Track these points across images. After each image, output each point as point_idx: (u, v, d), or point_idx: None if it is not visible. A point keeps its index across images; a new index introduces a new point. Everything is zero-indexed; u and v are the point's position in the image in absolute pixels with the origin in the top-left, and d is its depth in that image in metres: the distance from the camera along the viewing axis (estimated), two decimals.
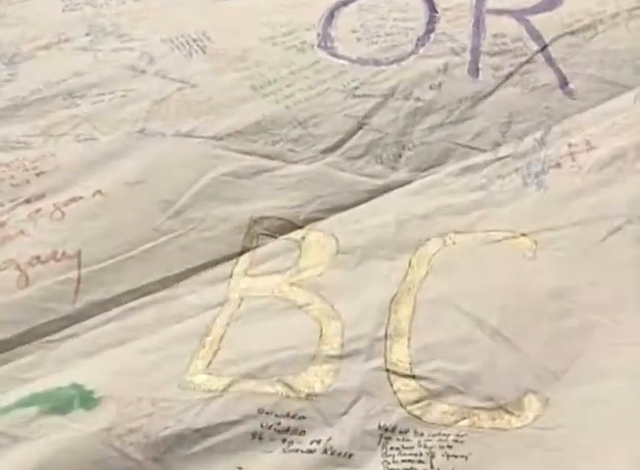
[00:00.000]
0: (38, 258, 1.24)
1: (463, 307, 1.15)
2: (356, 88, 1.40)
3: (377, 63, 1.43)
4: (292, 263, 1.25)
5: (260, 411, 1.08)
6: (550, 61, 1.42)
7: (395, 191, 1.33)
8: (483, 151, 1.35)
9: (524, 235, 1.22)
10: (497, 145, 1.35)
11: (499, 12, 1.47)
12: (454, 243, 1.24)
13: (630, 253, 1.17)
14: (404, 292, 1.18)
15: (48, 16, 1.54)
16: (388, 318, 1.15)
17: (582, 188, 1.27)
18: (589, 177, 1.28)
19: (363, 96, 1.40)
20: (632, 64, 1.40)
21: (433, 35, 1.45)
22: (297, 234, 1.29)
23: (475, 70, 1.42)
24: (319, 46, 1.46)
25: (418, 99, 1.39)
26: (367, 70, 1.42)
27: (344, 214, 1.30)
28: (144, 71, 1.45)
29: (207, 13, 1.52)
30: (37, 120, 1.40)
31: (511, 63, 1.41)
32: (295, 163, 1.34)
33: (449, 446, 1.04)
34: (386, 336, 1.13)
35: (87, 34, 1.51)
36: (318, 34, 1.47)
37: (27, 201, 1.30)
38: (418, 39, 1.45)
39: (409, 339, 1.13)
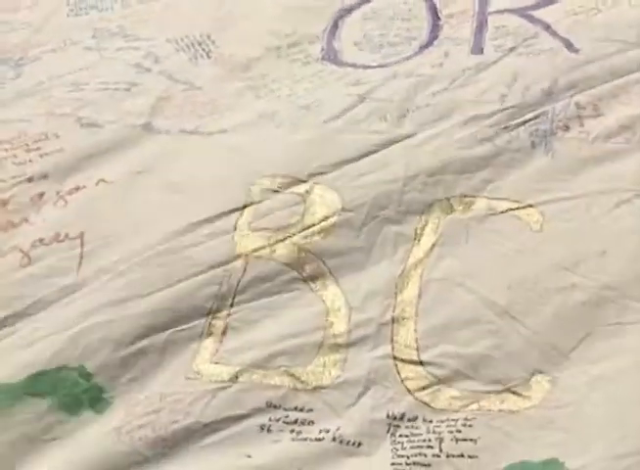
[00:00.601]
0: (42, 240, 1.25)
1: (470, 286, 1.14)
2: (358, 81, 1.40)
3: (381, 66, 1.42)
4: (297, 220, 1.24)
5: (269, 405, 1.10)
6: (554, 34, 1.39)
7: (401, 143, 1.31)
8: (490, 102, 1.33)
9: (530, 206, 1.21)
10: (504, 96, 1.33)
11: (501, 12, 1.45)
12: (460, 208, 1.23)
13: (638, 225, 1.16)
14: (410, 270, 1.18)
15: (54, 21, 1.55)
16: (395, 300, 1.15)
17: (590, 158, 1.25)
18: (597, 146, 1.26)
19: (364, 83, 1.39)
20: (638, 29, 1.36)
21: (436, 41, 1.44)
22: (300, 188, 1.27)
23: (478, 49, 1.41)
24: (323, 58, 1.45)
25: (420, 75, 1.38)
26: (369, 72, 1.41)
27: (349, 167, 1.29)
28: (149, 70, 1.46)
29: (212, 15, 1.52)
30: (40, 103, 1.42)
31: (515, 40, 1.40)
32: (299, 131, 1.33)
33: (458, 431, 1.05)
34: (392, 320, 1.13)
35: (93, 37, 1.53)
36: (322, 48, 1.46)
37: (30, 179, 1.32)
38: (421, 47, 1.44)
39: (416, 322, 1.13)
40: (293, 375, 1.12)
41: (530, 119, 1.30)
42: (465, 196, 1.24)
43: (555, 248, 1.16)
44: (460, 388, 1.08)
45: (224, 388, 1.12)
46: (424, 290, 1.16)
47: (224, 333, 1.17)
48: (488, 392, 1.07)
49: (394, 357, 1.11)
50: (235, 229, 1.24)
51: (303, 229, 1.23)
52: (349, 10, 1.51)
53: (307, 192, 1.27)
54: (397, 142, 1.31)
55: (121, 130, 1.37)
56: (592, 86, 1.32)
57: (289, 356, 1.13)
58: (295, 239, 1.22)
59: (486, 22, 1.44)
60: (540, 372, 1.07)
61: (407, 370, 1.09)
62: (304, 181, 1.28)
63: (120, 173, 1.33)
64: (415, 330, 1.12)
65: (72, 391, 1.14)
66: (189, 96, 1.41)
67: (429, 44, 1.43)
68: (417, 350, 1.11)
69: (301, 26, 1.48)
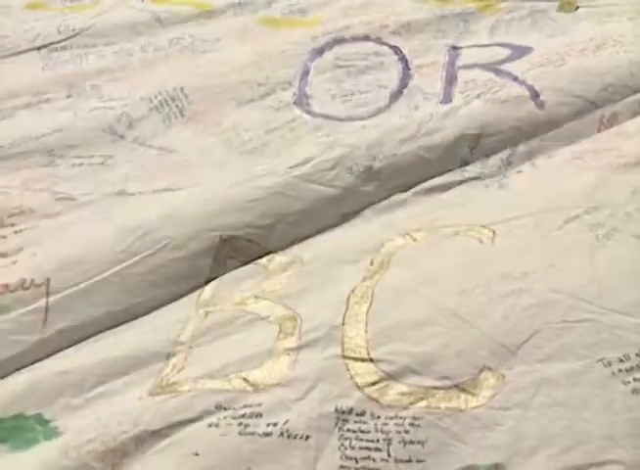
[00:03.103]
0: (7, 286, 1.29)
1: (421, 293, 1.19)
2: (329, 129, 1.49)
3: (351, 119, 1.52)
4: (257, 282, 1.31)
5: (218, 407, 1.11)
6: (522, 82, 1.50)
7: (363, 213, 1.39)
8: (451, 170, 1.42)
9: (482, 226, 1.28)
10: (465, 163, 1.43)
11: (470, 66, 1.57)
12: (414, 240, 1.30)
13: (587, 237, 1.21)
14: (362, 285, 1.23)
15: (27, 74, 1.63)
16: (346, 308, 1.20)
17: (540, 184, 1.34)
18: (548, 175, 1.36)
19: (334, 132, 1.48)
20: (601, 79, 1.48)
21: (405, 90, 1.55)
22: (264, 259, 1.35)
23: (447, 100, 1.51)
24: (295, 103, 1.54)
25: (389, 124, 1.47)
26: (341, 125, 1.50)
27: (312, 240, 1.36)
28: (123, 137, 1.53)
29: (186, 68, 1.62)
30: (15, 173, 1.48)
31: (482, 88, 1.51)
32: (266, 176, 1.40)
33: (406, 431, 1.06)
34: (343, 323, 1.17)
35: (68, 96, 1.60)
36: (294, 94, 1.56)
37: (3, 255, 1.36)
38: (391, 95, 1.54)
39: (366, 324, 1.16)
40: (244, 378, 1.14)
41: (486, 175, 1.41)
42: (419, 230, 1.32)
43: (505, 260, 1.22)
44: (409, 383, 1.09)
45: (173, 398, 1.14)
46: (375, 298, 1.20)
47: (182, 365, 1.21)
48: (437, 388, 1.09)
49: (344, 356, 1.13)
50: (198, 303, 1.30)
51: (263, 284, 1.30)
52: (320, 51, 1.62)
53: (269, 261, 1.34)
54: (361, 207, 1.40)
55: (96, 202, 1.44)
56: (549, 151, 1.43)
57: (240, 364, 1.16)
58: (254, 291, 1.29)
59: (456, 76, 1.55)
60: (489, 369, 1.09)
61: (356, 367, 1.12)
62: (268, 252, 1.35)
63: (88, 225, 1.39)
64: (365, 331, 1.15)
65: (28, 436, 1.16)
66: (163, 160, 1.49)
67: (399, 94, 1.53)
68: (367, 348, 1.13)
69: (274, 72, 1.58)
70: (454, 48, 1.62)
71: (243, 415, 1.10)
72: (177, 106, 1.56)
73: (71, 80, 1.62)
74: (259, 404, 1.11)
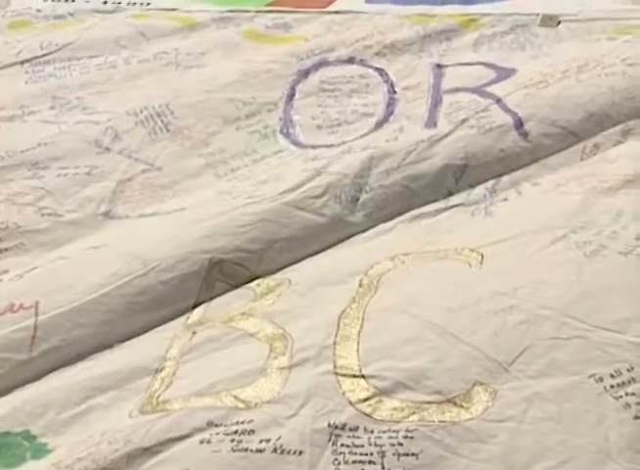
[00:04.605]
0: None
1: (410, 312, 1.21)
2: (315, 156, 1.52)
3: (338, 144, 1.54)
4: (244, 304, 1.33)
5: (210, 424, 1.13)
6: (505, 108, 1.53)
7: (349, 241, 1.42)
8: (436, 200, 1.45)
9: (470, 250, 1.31)
10: (450, 193, 1.46)
11: (455, 90, 1.60)
12: (403, 262, 1.32)
13: (574, 254, 1.24)
14: (353, 306, 1.25)
15: (11, 88, 1.64)
16: (337, 329, 1.22)
17: (526, 209, 1.38)
18: (533, 200, 1.40)
19: (321, 158, 1.51)
20: (583, 108, 1.51)
21: (392, 117, 1.57)
22: (253, 283, 1.37)
23: (432, 124, 1.54)
24: (281, 132, 1.57)
25: (375, 148, 1.50)
26: (328, 152, 1.53)
27: (299, 265, 1.39)
28: (108, 149, 1.54)
29: (171, 84, 1.64)
30: (0, 188, 1.49)
31: (466, 112, 1.53)
32: (256, 202, 1.43)
33: (400, 444, 1.08)
34: (334, 343, 1.20)
35: (52, 108, 1.61)
36: (280, 119, 1.58)
37: None
38: (377, 124, 1.57)
39: (358, 343, 1.19)
40: (235, 396, 1.16)
41: (472, 204, 1.44)
42: (408, 254, 1.35)
43: (493, 279, 1.25)
44: (401, 398, 1.12)
45: (165, 416, 1.15)
46: (366, 319, 1.23)
47: (171, 380, 1.23)
48: (429, 402, 1.11)
49: (336, 373, 1.16)
50: (186, 325, 1.32)
51: (252, 303, 1.32)
52: (306, 73, 1.64)
53: (258, 285, 1.36)
54: (347, 236, 1.43)
55: (82, 220, 1.46)
56: (532, 180, 1.46)
57: (231, 382, 1.18)
58: (242, 310, 1.31)
59: (441, 99, 1.57)
60: (481, 384, 1.12)
61: (348, 383, 1.14)
62: (258, 276, 1.37)
63: (80, 251, 1.40)
64: (357, 350, 1.18)
65: (16, 452, 1.18)
66: (149, 178, 1.51)
67: (384, 121, 1.55)
68: (358, 365, 1.16)
69: (260, 92, 1.60)
70: (438, 66, 1.65)
71: (235, 432, 1.11)
72: (162, 121, 1.58)
73: (55, 93, 1.64)
74: (251, 421, 1.12)
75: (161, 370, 1.24)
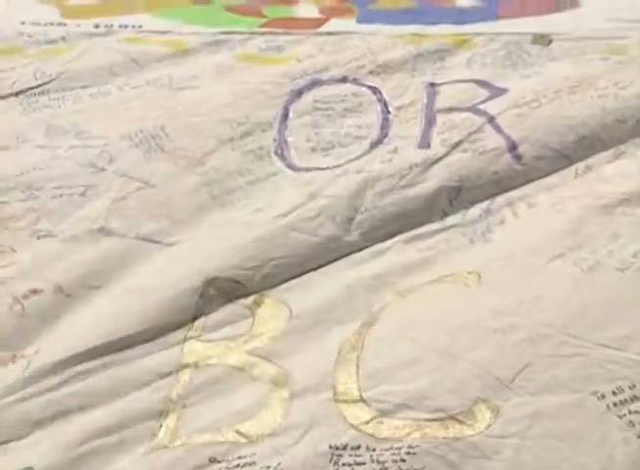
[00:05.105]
0: None
1: (409, 335, 1.22)
2: (309, 180, 1.51)
3: (332, 167, 1.53)
4: (245, 330, 1.33)
5: (211, 460, 1.14)
6: (498, 129, 1.53)
7: (346, 259, 1.42)
8: (431, 221, 1.45)
9: (468, 272, 1.31)
10: (445, 215, 1.46)
11: (449, 110, 1.59)
12: (403, 297, 1.32)
13: (572, 271, 1.26)
14: (352, 338, 1.26)
15: (6, 119, 1.63)
16: (337, 357, 1.23)
17: (523, 230, 1.38)
18: (529, 222, 1.40)
19: (316, 182, 1.51)
20: (575, 131, 1.51)
21: (386, 139, 1.56)
22: (249, 299, 1.37)
23: (425, 144, 1.54)
24: (275, 153, 1.56)
25: (369, 171, 1.50)
26: (322, 174, 1.52)
27: (297, 281, 1.39)
28: (103, 169, 1.53)
29: (165, 106, 1.63)
30: None
31: (460, 133, 1.53)
32: (251, 228, 1.43)
33: (402, 460, 1.09)
34: (334, 370, 1.20)
35: (46, 135, 1.60)
36: (274, 140, 1.57)
37: None
38: (371, 145, 1.56)
39: (357, 368, 1.19)
40: (237, 431, 1.17)
41: (468, 225, 1.44)
42: (408, 290, 1.35)
43: (492, 298, 1.26)
44: (403, 417, 1.12)
45: (165, 452, 1.17)
46: (366, 345, 1.24)
47: (175, 425, 1.23)
48: (431, 419, 1.12)
49: (336, 400, 1.17)
50: (185, 341, 1.32)
51: (252, 338, 1.32)
52: (299, 93, 1.64)
53: (256, 304, 1.36)
54: (343, 255, 1.43)
55: (76, 237, 1.45)
56: (527, 200, 1.46)
57: (233, 417, 1.19)
58: (245, 347, 1.31)
59: (435, 119, 1.57)
60: (483, 401, 1.13)
61: (349, 408, 1.15)
62: (253, 292, 1.37)
63: (75, 283, 1.39)
64: (357, 375, 1.19)
65: None
66: (144, 195, 1.50)
67: (379, 142, 1.55)
68: (359, 390, 1.17)
69: (253, 113, 1.60)
70: (432, 85, 1.65)
71: (237, 466, 1.13)
72: (157, 143, 1.58)
73: (49, 122, 1.63)
74: (253, 454, 1.13)
75: (166, 414, 1.24)
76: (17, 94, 1.68)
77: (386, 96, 1.63)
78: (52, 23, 1.83)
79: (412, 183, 1.47)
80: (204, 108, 1.62)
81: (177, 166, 1.54)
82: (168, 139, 1.58)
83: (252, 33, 1.80)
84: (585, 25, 1.72)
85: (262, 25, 1.84)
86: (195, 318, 1.35)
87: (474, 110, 1.57)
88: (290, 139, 1.58)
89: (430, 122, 1.57)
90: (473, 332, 1.20)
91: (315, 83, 1.67)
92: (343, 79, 1.69)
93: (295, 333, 1.31)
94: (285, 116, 1.62)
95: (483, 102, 1.58)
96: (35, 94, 1.69)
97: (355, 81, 1.68)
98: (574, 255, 1.29)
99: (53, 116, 1.64)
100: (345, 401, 1.16)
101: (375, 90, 1.66)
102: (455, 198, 1.46)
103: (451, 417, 1.12)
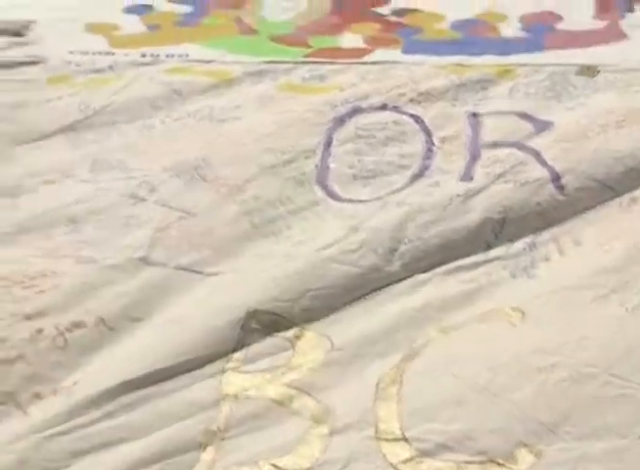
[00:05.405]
0: (38, 395, 1.30)
1: (451, 372, 1.21)
2: (351, 213, 1.51)
3: (374, 199, 1.53)
4: (284, 362, 1.32)
5: None
6: (542, 162, 1.53)
7: (388, 290, 1.41)
8: (474, 253, 1.44)
9: (512, 309, 1.30)
10: (488, 246, 1.44)
11: (494, 145, 1.59)
12: (445, 333, 1.31)
13: (617, 310, 1.25)
14: (392, 371, 1.26)
15: (53, 155, 1.64)
16: (377, 393, 1.22)
17: (568, 268, 1.37)
18: (575, 259, 1.39)
19: (358, 215, 1.50)
20: (622, 162, 1.50)
21: (427, 172, 1.56)
22: (290, 332, 1.36)
23: (468, 177, 1.53)
24: (317, 182, 1.56)
25: (410, 203, 1.49)
26: (364, 206, 1.52)
27: (338, 315, 1.38)
28: (144, 199, 1.55)
29: (208, 138, 1.63)
30: (38, 243, 1.49)
31: (503, 166, 1.53)
32: (293, 260, 1.43)
33: None
34: (374, 406, 1.20)
35: (91, 171, 1.61)
36: (316, 166, 1.58)
37: (28, 317, 1.38)
38: (412, 177, 1.55)
39: (398, 404, 1.19)
40: (273, 465, 1.17)
41: (510, 258, 1.43)
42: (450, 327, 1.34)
43: (535, 335, 1.24)
44: (443, 459, 1.11)
45: None
46: (406, 381, 1.23)
47: (213, 456, 1.23)
48: (472, 462, 1.11)
49: (377, 438, 1.16)
50: (223, 372, 1.32)
51: (292, 370, 1.31)
52: (342, 121, 1.64)
53: (297, 337, 1.36)
54: (385, 285, 1.41)
55: (119, 265, 1.45)
56: (572, 234, 1.45)
57: (271, 452, 1.19)
58: (283, 379, 1.30)
59: (480, 154, 1.56)
60: (525, 445, 1.11)
61: (389, 446, 1.14)
62: (293, 325, 1.37)
63: (117, 315, 1.39)
64: (397, 412, 1.18)
65: None
66: (185, 225, 1.50)
67: (420, 175, 1.55)
68: (400, 428, 1.16)
69: (296, 141, 1.60)
70: (474, 115, 1.65)
71: None
72: (199, 173, 1.59)
73: (95, 156, 1.64)
74: None
75: (206, 447, 1.23)
76: (63, 130, 1.69)
77: (428, 125, 1.62)
78: (100, 53, 1.86)
79: (456, 214, 1.47)
80: (246, 138, 1.63)
81: (218, 194, 1.54)
82: (210, 169, 1.58)
83: (296, 63, 1.81)
84: (632, 57, 1.71)
85: (307, 55, 1.85)
86: (235, 350, 1.34)
87: (519, 146, 1.56)
88: (332, 166, 1.58)
89: (474, 158, 1.56)
90: (515, 370, 1.19)
91: (356, 111, 1.67)
92: (383, 107, 1.69)
93: (334, 365, 1.30)
94: (328, 143, 1.62)
95: (529, 138, 1.58)
96: (82, 128, 1.70)
97: (395, 109, 1.68)
98: (619, 295, 1.28)
99: (98, 151, 1.65)
100: (386, 440, 1.15)
101: (417, 118, 1.66)
102: (500, 231, 1.46)
103: (492, 460, 1.11)
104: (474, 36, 1.86)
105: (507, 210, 1.47)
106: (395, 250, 1.44)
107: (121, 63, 1.83)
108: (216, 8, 1.97)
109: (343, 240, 1.45)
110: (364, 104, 1.70)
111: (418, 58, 1.82)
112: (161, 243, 1.48)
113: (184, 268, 1.46)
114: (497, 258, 1.42)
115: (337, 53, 1.85)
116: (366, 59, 1.83)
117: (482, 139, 1.60)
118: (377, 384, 1.24)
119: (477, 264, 1.42)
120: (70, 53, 1.85)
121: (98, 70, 1.82)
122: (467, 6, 1.93)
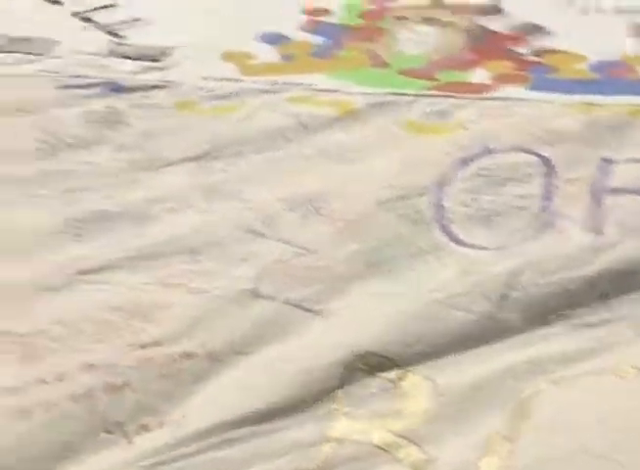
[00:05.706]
0: (145, 426, 1.34)
1: (564, 432, 1.19)
2: (469, 259, 1.49)
3: (493, 248, 1.51)
4: (390, 406, 1.32)
5: None
6: None
7: (504, 340, 1.38)
8: (591, 304, 1.40)
9: (631, 367, 1.27)
10: (606, 297, 1.40)
11: (620, 190, 1.54)
12: (557, 384, 1.29)
13: None
14: (504, 429, 1.24)
15: (177, 183, 1.67)
16: (486, 447, 1.20)
17: None
18: None
19: (474, 261, 1.49)
20: None
21: (546, 214, 1.52)
22: (394, 373, 1.35)
23: (598, 229, 1.49)
24: (435, 222, 1.54)
25: (534, 253, 1.47)
26: (483, 252, 1.50)
27: (447, 360, 1.37)
28: (262, 234, 1.56)
29: (329, 174, 1.65)
30: (155, 271, 1.53)
31: (633, 219, 1.48)
32: (407, 302, 1.42)
33: None
34: (479, 461, 1.19)
35: (211, 200, 1.64)
36: (429, 203, 1.56)
37: (143, 347, 1.42)
38: (531, 221, 1.52)
39: (506, 460, 1.17)
40: None
41: (636, 318, 1.39)
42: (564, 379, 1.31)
43: None
44: None
45: None
46: (518, 438, 1.21)
47: None
48: None
49: None
50: (328, 414, 1.33)
51: (398, 416, 1.31)
52: (466, 161, 1.61)
53: (399, 379, 1.35)
54: (497, 335, 1.39)
55: (228, 296, 1.48)
56: None
57: None
58: (388, 426, 1.29)
59: (603, 200, 1.52)
60: None
61: None
62: (398, 366, 1.36)
63: (227, 348, 1.42)
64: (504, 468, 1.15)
65: None
66: (298, 259, 1.51)
67: (539, 218, 1.51)
68: None
69: (414, 178, 1.59)
70: (606, 161, 1.59)
71: None
72: (314, 205, 1.59)
73: (218, 187, 1.66)
74: None
75: None
76: (189, 160, 1.72)
77: (556, 166, 1.57)
78: (229, 79, 1.88)
79: (577, 265, 1.44)
80: (368, 177, 1.63)
81: (334, 228, 1.54)
82: (325, 202, 1.59)
83: (417, 96, 1.79)
84: None
85: (430, 88, 1.83)
86: (338, 388, 1.34)
87: None
88: (447, 205, 1.55)
89: (597, 203, 1.50)
90: (625, 428, 1.15)
91: (485, 151, 1.64)
92: (514, 148, 1.65)
93: (441, 415, 1.29)
94: (446, 181, 1.59)
95: None
96: (209, 159, 1.72)
97: (527, 150, 1.63)
98: None
99: (223, 181, 1.67)
100: None
101: (546, 160, 1.61)
102: (620, 283, 1.41)
103: None
104: (610, 78, 1.79)
105: (631, 264, 1.42)
106: (507, 296, 1.42)
107: (247, 90, 1.85)
108: (351, 41, 1.97)
109: (458, 283, 1.44)
110: (492, 144, 1.66)
111: (543, 95, 1.77)
112: (272, 277, 1.50)
113: (294, 304, 1.47)
114: (623, 318, 1.38)
115: (460, 88, 1.83)
116: (489, 95, 1.80)
117: (609, 184, 1.54)
118: (487, 440, 1.21)
119: (602, 322, 1.38)
120: (204, 79, 1.87)
121: (222, 97, 1.84)
122: (613, 48, 1.85)
